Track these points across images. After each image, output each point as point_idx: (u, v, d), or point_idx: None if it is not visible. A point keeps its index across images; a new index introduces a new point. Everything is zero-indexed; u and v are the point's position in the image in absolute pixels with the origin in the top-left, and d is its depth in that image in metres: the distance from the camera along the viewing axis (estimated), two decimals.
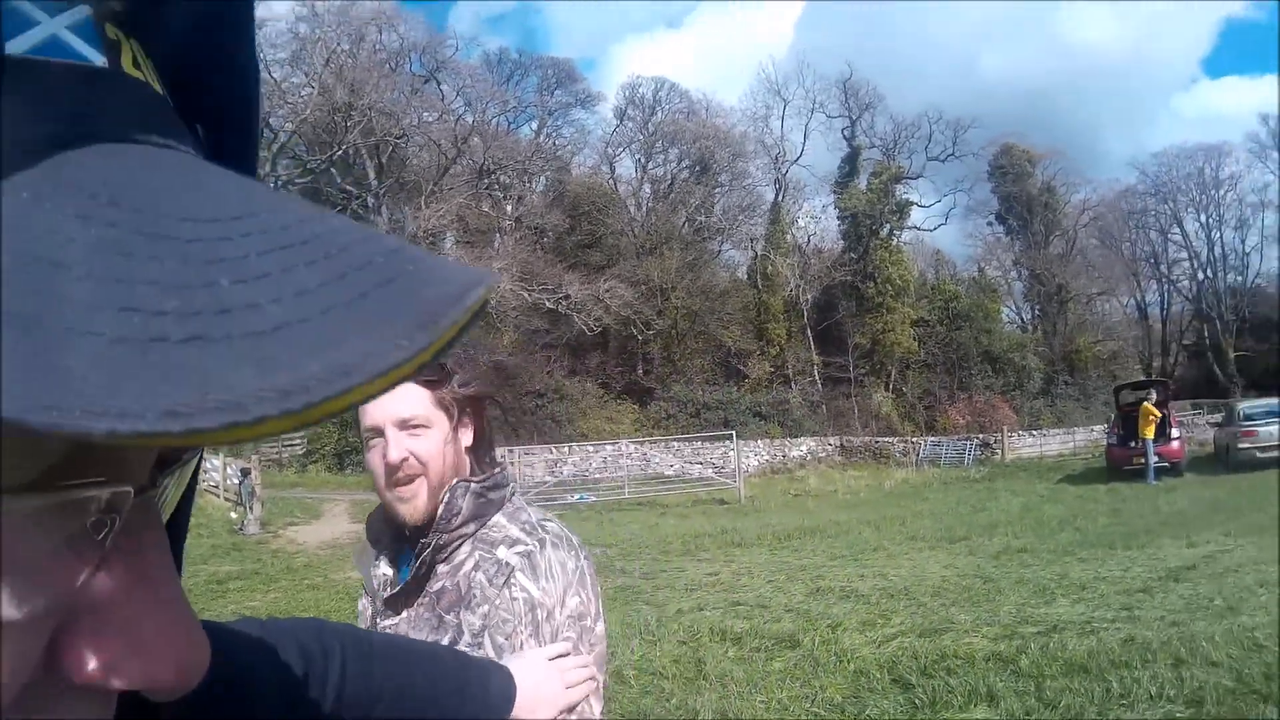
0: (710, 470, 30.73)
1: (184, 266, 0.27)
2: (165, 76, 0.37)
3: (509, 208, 48.50)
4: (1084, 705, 5.65)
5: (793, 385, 47.91)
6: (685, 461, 32.54)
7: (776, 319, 50.04)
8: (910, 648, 7.52)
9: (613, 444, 33.38)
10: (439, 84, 45.31)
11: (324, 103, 37.19)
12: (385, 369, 0.26)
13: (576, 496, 26.83)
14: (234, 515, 19.81)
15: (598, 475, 31.37)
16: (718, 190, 54.73)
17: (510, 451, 27.70)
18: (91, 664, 0.32)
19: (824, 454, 38.81)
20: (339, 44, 39.98)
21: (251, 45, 0.41)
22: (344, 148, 37.66)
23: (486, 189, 46.62)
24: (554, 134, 55.27)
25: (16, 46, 0.30)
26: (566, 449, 34.07)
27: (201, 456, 0.41)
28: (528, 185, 51.74)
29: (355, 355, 0.26)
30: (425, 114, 43.18)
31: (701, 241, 52.64)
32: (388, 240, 0.31)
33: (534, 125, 54.59)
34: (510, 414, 37.88)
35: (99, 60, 0.32)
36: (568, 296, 38.66)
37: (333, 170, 38.86)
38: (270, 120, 36.43)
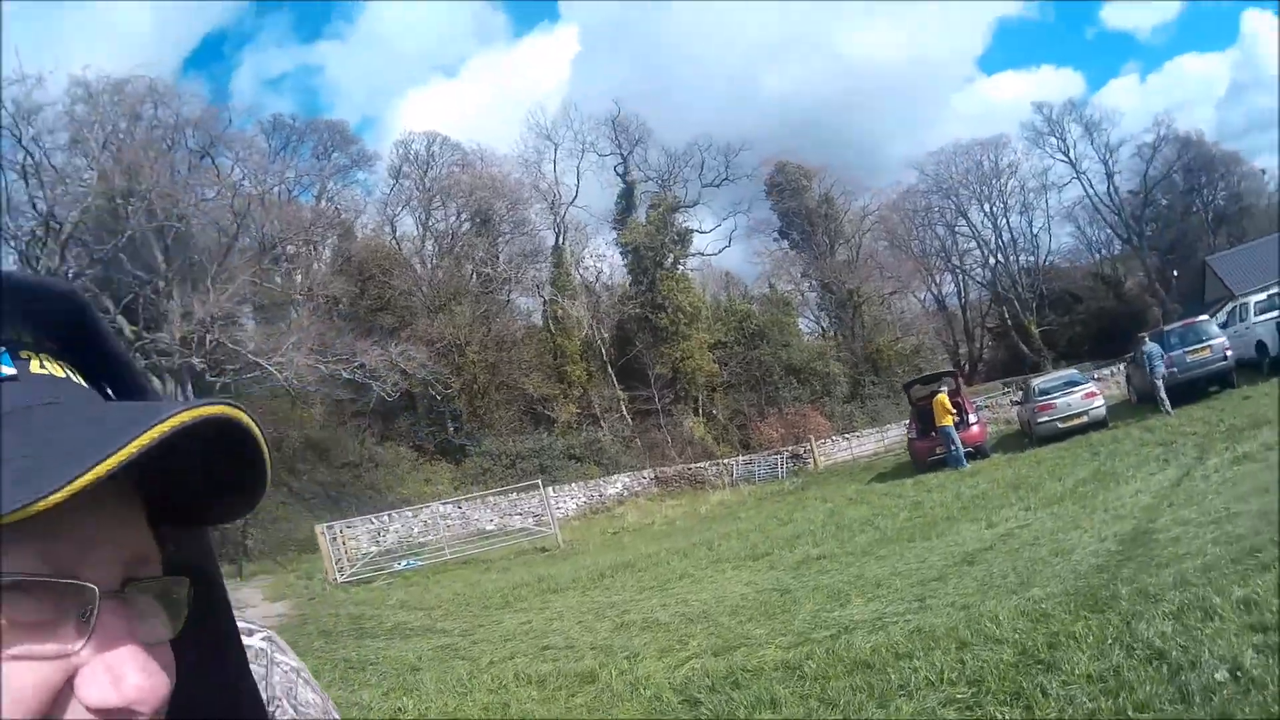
0: (531, 520, 31.77)
1: (20, 448, 0.49)
2: (73, 362, 0.61)
3: (298, 279, 48.88)
4: (864, 701, 5.89)
5: (602, 423, 49.14)
6: (503, 514, 33.72)
7: (574, 361, 51.13)
8: (703, 668, 7.97)
9: (429, 506, 34.00)
10: (213, 159, 45.08)
11: (105, 189, 36.16)
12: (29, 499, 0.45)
13: (404, 563, 27.39)
14: None
15: (421, 539, 31.94)
16: (500, 240, 55.78)
17: (330, 527, 27.98)
18: (91, 697, 0.51)
19: (640, 487, 40.21)
20: (115, 123, 39.06)
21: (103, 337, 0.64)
22: (129, 233, 36.70)
23: (273, 262, 46.22)
24: (335, 198, 56.35)
25: None
26: (387, 516, 34.45)
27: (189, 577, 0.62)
28: (314, 254, 52.46)
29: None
30: (205, 190, 41.98)
31: (490, 293, 53.19)
32: (85, 414, 0.55)
33: (314, 192, 55.14)
34: (329, 488, 37.97)
35: (12, 369, 0.55)
36: (362, 365, 38.76)
37: (121, 257, 37.93)
38: (55, 210, 35.37)
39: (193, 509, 0.62)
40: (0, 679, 0.47)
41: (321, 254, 53.66)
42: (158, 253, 38.61)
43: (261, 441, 0.55)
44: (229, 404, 0.52)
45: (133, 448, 0.46)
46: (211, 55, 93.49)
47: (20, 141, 34.29)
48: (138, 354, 36.47)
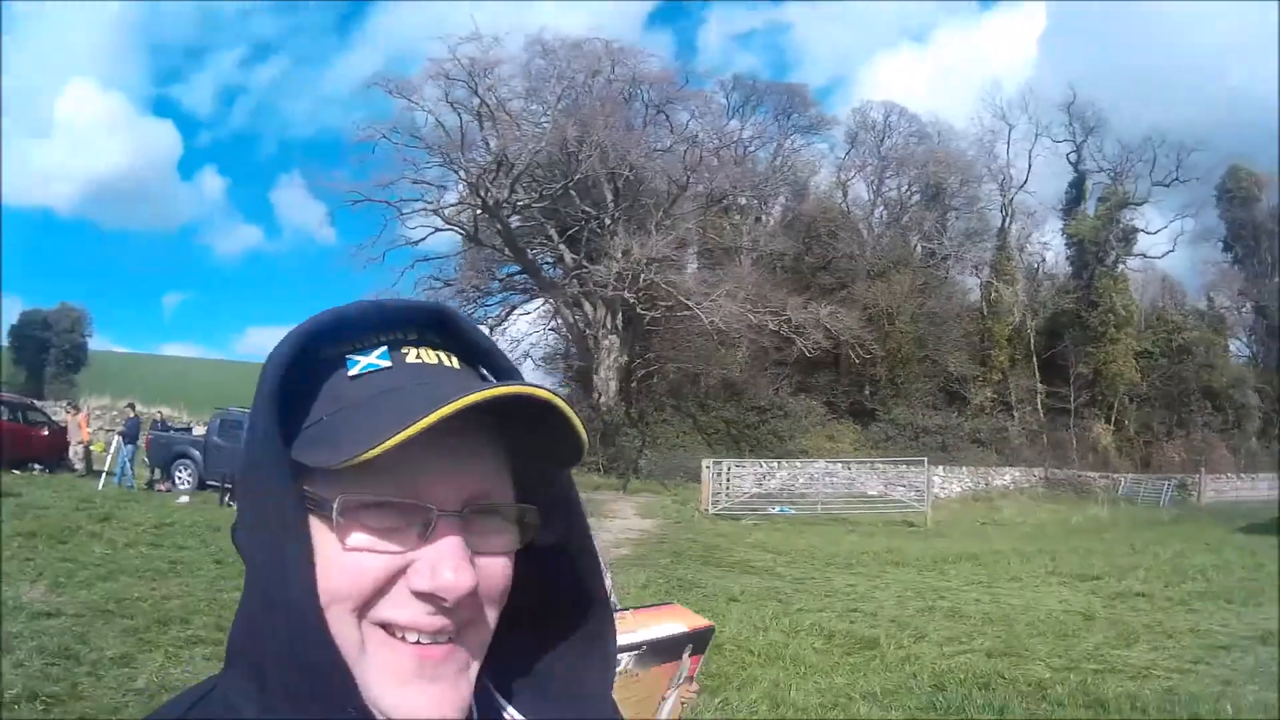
0: (912, 493, 32.14)
1: (374, 416, 0.71)
2: (456, 351, 0.84)
3: (744, 230, 51.30)
4: None
5: (1014, 413, 49.37)
6: (888, 483, 34.35)
7: (1000, 345, 51.41)
8: (969, 664, 8.57)
9: (817, 462, 35.29)
10: (668, 116, 47.53)
11: (558, 136, 40.45)
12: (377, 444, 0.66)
13: (777, 509, 29.20)
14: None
15: (803, 490, 33.48)
16: (949, 215, 56.40)
17: (719, 463, 30.12)
18: (413, 582, 0.73)
19: (1026, 484, 40.38)
20: (572, 78, 43.33)
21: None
22: (579, 176, 40.70)
23: (722, 212, 48.77)
24: (790, 157, 57.75)
25: (355, 370, 0.78)
26: (776, 463, 36.29)
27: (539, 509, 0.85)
28: (764, 208, 55.39)
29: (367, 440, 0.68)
30: (659, 142, 45.77)
31: (930, 267, 54.11)
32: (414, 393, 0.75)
33: (771, 150, 57.05)
34: (733, 427, 40.43)
35: (387, 363, 0.78)
36: (789, 320, 40.40)
37: (572, 193, 42.07)
38: (508, 150, 40.10)
39: (549, 453, 0.82)
40: (356, 561, 0.72)
41: (771, 209, 56.77)
42: (608, 193, 42.86)
43: (566, 411, 0.75)
44: (531, 386, 0.73)
45: (421, 425, 0.67)
46: (676, 12, 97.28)
47: (476, 91, 39.36)
48: (575, 280, 40.73)
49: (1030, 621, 11.05)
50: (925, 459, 33.02)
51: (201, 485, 23.58)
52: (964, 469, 40.62)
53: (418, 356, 0.80)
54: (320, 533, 0.74)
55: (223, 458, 22.48)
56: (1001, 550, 20.31)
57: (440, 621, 0.74)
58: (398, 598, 0.73)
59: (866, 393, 49.23)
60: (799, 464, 37.21)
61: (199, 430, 27.01)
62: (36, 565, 11.37)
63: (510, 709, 0.89)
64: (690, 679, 3.41)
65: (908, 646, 9.47)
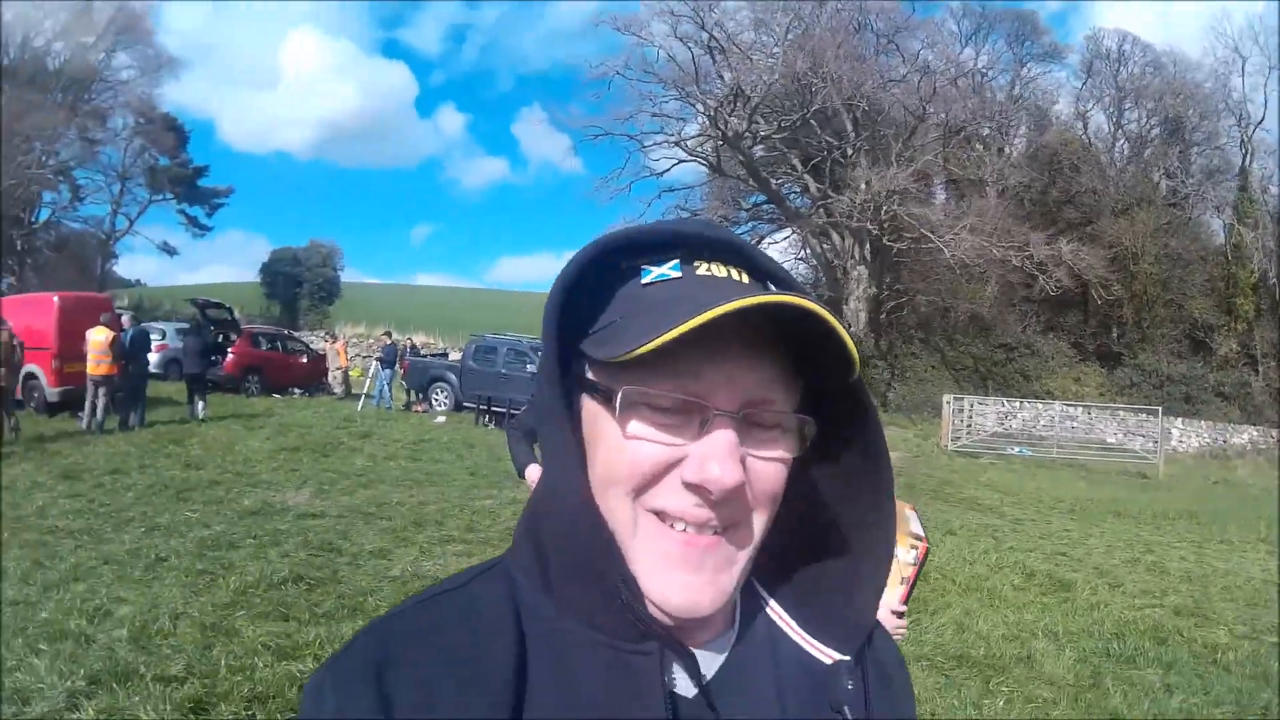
0: (1149, 444, 31.15)
1: (656, 318, 0.74)
2: (745, 268, 0.87)
3: (987, 162, 48.90)
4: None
5: (1258, 368, 45.60)
6: (1126, 432, 33.16)
7: (1245, 294, 47.62)
8: (1152, 618, 8.65)
9: (1059, 405, 34.41)
10: (898, 45, 46.04)
11: (788, 69, 40.15)
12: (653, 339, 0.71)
13: (1016, 450, 28.77)
14: None
15: (1043, 432, 32.73)
16: (1192, 151, 52.21)
17: (959, 399, 29.83)
18: (687, 473, 0.78)
19: (1265, 445, 37.53)
20: (798, 10, 42.86)
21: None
22: (817, 107, 40.41)
23: (964, 142, 47.36)
24: (1029, 85, 55.08)
25: (648, 278, 0.83)
26: (1019, 403, 35.59)
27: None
28: (1005, 139, 52.40)
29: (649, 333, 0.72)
30: (893, 72, 44.33)
31: (1174, 205, 50.22)
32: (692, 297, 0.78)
33: (1008, 78, 54.50)
34: (980, 364, 39.74)
35: (677, 274, 0.83)
36: (1031, 256, 39.17)
37: (812, 123, 41.75)
38: (742, 83, 40.22)
39: (827, 370, 0.83)
40: (635, 448, 0.78)
41: (1013, 141, 53.97)
42: (847, 123, 42.19)
43: (840, 331, 0.76)
44: (802, 298, 0.75)
45: (690, 325, 0.71)
46: None
47: (703, 26, 39.61)
48: (821, 210, 40.72)
49: (1226, 585, 10.85)
50: (1160, 409, 31.82)
51: (457, 407, 24.76)
52: (1203, 423, 38.48)
53: (708, 270, 0.84)
54: (605, 422, 0.80)
55: (477, 381, 23.57)
56: (1222, 511, 19.49)
57: (706, 514, 0.79)
58: (671, 486, 0.79)
59: (1114, 335, 47.35)
60: (1040, 405, 36.48)
61: (454, 356, 28.24)
62: (301, 474, 12.84)
63: (773, 603, 0.95)
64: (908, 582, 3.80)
65: (1101, 594, 9.58)
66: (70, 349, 17.34)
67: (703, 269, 0.84)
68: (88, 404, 16.22)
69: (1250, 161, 50.86)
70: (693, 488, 0.78)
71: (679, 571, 0.79)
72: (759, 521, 0.83)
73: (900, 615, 2.85)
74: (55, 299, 18.57)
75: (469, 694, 0.76)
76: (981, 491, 19.25)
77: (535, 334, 24.41)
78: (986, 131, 49.13)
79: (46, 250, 58.36)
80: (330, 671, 0.78)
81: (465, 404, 24.40)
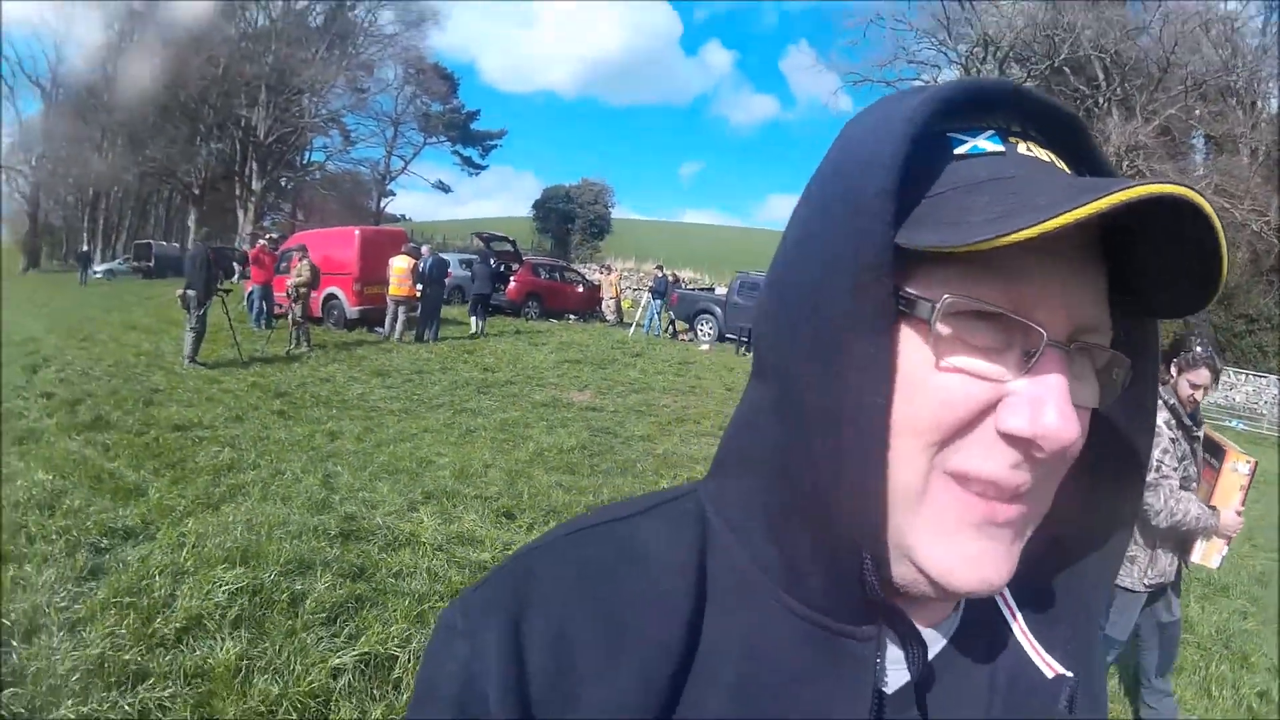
0: None
1: (1000, 200, 0.59)
2: (1055, 149, 0.70)
3: (1241, 116, 45.80)
4: None
5: None
6: None
7: None
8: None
9: (1270, 378, 33.76)
10: None
11: (1029, 19, 39.72)
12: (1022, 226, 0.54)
13: (1234, 422, 28.11)
14: None
15: (1264, 410, 32.46)
16: None
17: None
18: (1007, 421, 0.60)
19: None
20: None
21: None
22: (1065, 54, 39.67)
23: (1217, 97, 44.64)
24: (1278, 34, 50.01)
25: (962, 149, 0.65)
26: (1244, 376, 34.71)
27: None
28: (1258, 92, 48.21)
29: (1012, 220, 0.55)
30: (1135, 21, 42.37)
31: None
32: (1055, 179, 0.64)
33: (1259, 24, 49.59)
34: (1221, 334, 38.17)
35: (999, 147, 0.65)
36: (1270, 221, 37.00)
37: (1065, 71, 41.01)
38: (989, 33, 39.96)
39: (1150, 299, 0.68)
40: (947, 384, 0.60)
41: (1268, 94, 50.02)
42: (1099, 71, 40.87)
43: (1220, 233, 0.57)
44: (1187, 186, 0.55)
45: (1100, 204, 0.53)
46: None
47: None
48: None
49: None
50: None
51: (721, 338, 26.51)
52: None
53: (1029, 149, 0.67)
54: (906, 345, 0.62)
55: (741, 314, 25.06)
56: None
57: (1023, 477, 0.62)
58: (980, 438, 0.62)
59: None
60: (1264, 380, 34.72)
61: (720, 290, 29.68)
62: (582, 380, 14.94)
63: (1005, 590, 0.79)
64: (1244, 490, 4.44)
65: None
66: (369, 274, 19.91)
67: (1023, 147, 0.67)
68: (388, 320, 18.91)
69: None
70: (1015, 441, 0.61)
71: (969, 538, 0.63)
72: (1055, 484, 0.67)
73: (1239, 514, 3.94)
74: (357, 232, 21.22)
75: (619, 655, 0.65)
76: None
77: None
78: (1240, 84, 45.93)
79: (323, 189, 64.22)
80: (462, 610, 0.70)
81: (728, 335, 26.07)
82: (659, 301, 26.98)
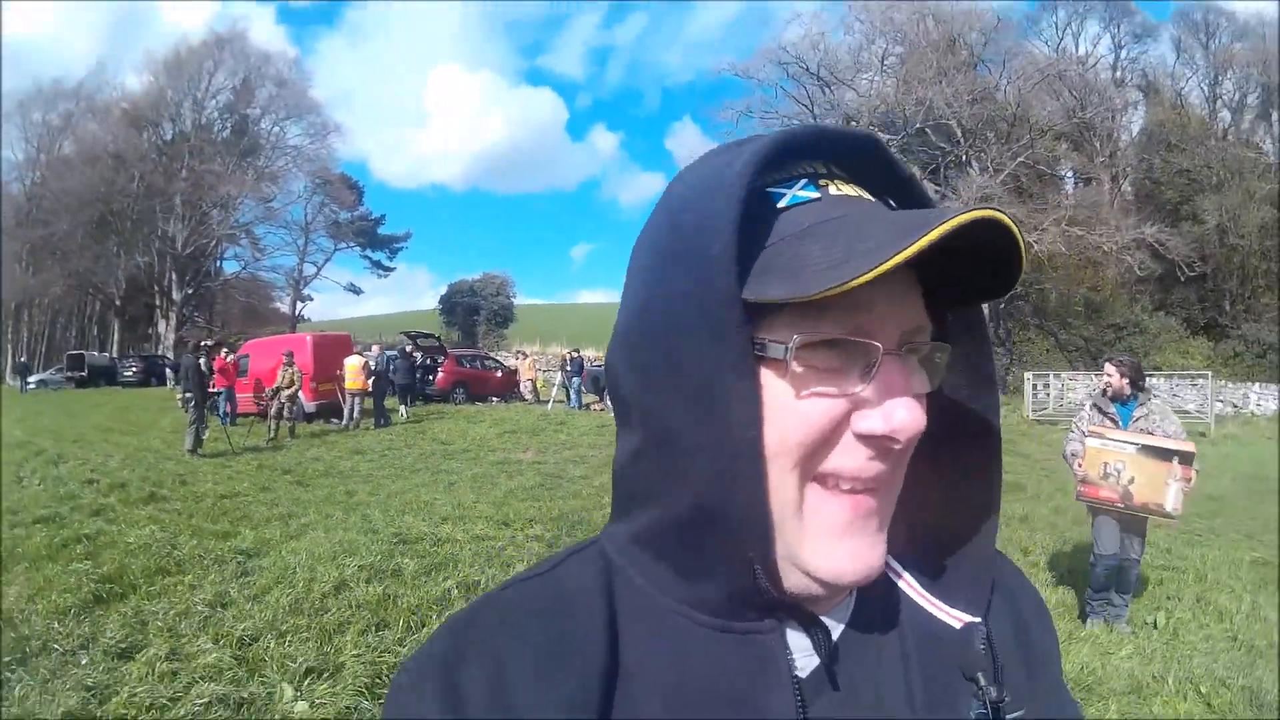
0: (1224, 407, 34.01)
1: (830, 247, 0.66)
2: (873, 189, 0.78)
3: (1098, 146, 50.69)
4: None
5: None
6: (1219, 400, 34.66)
7: None
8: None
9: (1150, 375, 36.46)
10: (983, 61, 48.58)
11: (882, 97, 44.54)
12: (865, 269, 0.61)
13: None
14: None
15: None
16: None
17: (1042, 375, 33.26)
18: (861, 424, 0.69)
19: None
20: (894, 37, 47.56)
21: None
22: (918, 123, 43.55)
23: (1065, 137, 48.74)
24: (1128, 67, 56.68)
25: (783, 201, 0.72)
26: (1097, 376, 37.52)
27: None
28: (1116, 123, 52.55)
29: (847, 266, 0.62)
30: (980, 86, 45.88)
31: (1269, 171, 49.33)
32: (900, 215, 0.71)
33: (1108, 63, 55.64)
34: (1091, 344, 42.24)
35: (815, 194, 0.73)
36: (1117, 242, 40.72)
37: (927, 131, 44.54)
38: (847, 113, 45.04)
39: (959, 288, 0.77)
40: (807, 406, 0.69)
41: (1122, 125, 53.21)
42: (957, 130, 44.88)
43: (1019, 239, 0.67)
44: (993, 209, 0.64)
45: (920, 243, 0.61)
46: None
47: (807, 69, 46.54)
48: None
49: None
50: (1209, 374, 33.17)
51: None
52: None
53: (839, 189, 0.75)
54: (767, 379, 0.70)
55: None
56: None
57: (879, 468, 0.71)
58: (843, 443, 0.71)
59: (1228, 308, 48.11)
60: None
61: None
62: (523, 444, 17.94)
63: (891, 563, 0.85)
64: (1187, 479, 6.14)
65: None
66: (322, 373, 22.88)
67: (833, 188, 0.74)
68: (346, 410, 21.70)
69: None
70: (870, 440, 0.70)
71: (847, 538, 0.72)
72: (903, 470, 0.76)
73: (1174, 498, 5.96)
74: (309, 338, 24.38)
75: (551, 682, 0.71)
76: (1032, 447, 21.35)
77: None
78: (1096, 118, 49.73)
79: (239, 297, 67.67)
80: (407, 673, 0.75)
81: None
82: (577, 379, 29.78)
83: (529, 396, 32.33)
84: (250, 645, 5.83)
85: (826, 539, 0.71)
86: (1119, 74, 55.97)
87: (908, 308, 0.72)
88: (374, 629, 6.22)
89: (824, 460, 0.71)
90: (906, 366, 0.72)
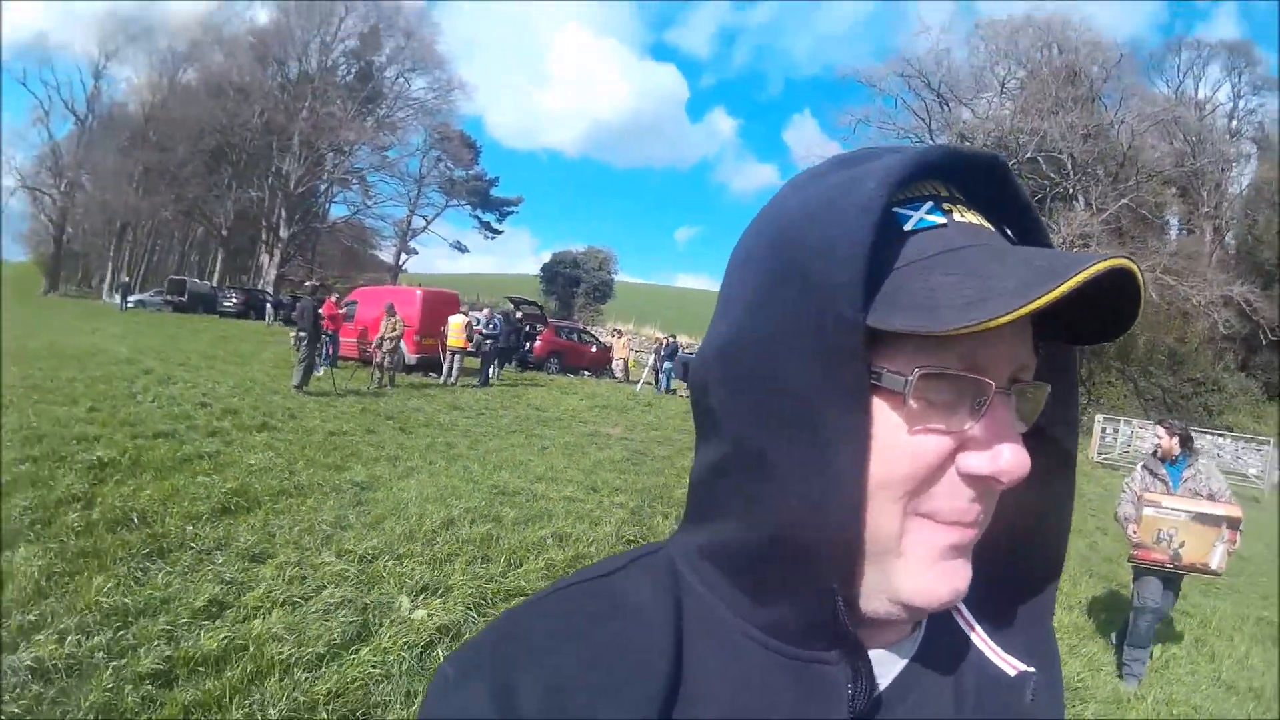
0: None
1: (963, 280, 0.64)
2: (989, 213, 0.76)
3: (1205, 195, 50.33)
4: None
5: None
6: (1270, 464, 34.34)
7: None
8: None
9: (1213, 435, 36.64)
10: (1100, 98, 48.52)
11: (998, 123, 44.75)
12: (999, 312, 0.60)
13: None
14: None
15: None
16: None
17: (1114, 419, 33.18)
18: (969, 464, 0.68)
19: None
20: (1016, 60, 47.74)
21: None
22: (1030, 153, 44.17)
23: (1185, 178, 48.79)
24: (1245, 118, 55.70)
25: (909, 224, 0.70)
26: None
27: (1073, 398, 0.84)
28: (1224, 174, 52.63)
29: (984, 306, 0.61)
30: (1093, 123, 46.47)
31: None
32: (1031, 254, 0.68)
33: (1224, 112, 55.24)
34: (1169, 394, 41.83)
35: (941, 220, 0.71)
36: (1205, 296, 40.48)
37: (1038, 159, 44.47)
38: (963, 132, 45.79)
39: (1068, 327, 0.75)
40: (917, 441, 0.68)
41: (1229, 177, 53.87)
42: (1068, 163, 44.65)
43: (1142, 289, 0.66)
44: (1128, 258, 0.63)
45: (1061, 289, 0.59)
46: None
47: (929, 84, 47.21)
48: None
49: None
50: (1272, 440, 33.91)
51: None
52: None
53: (962, 215, 0.74)
54: (879, 411, 0.68)
55: None
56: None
57: (981, 507, 0.71)
58: (947, 481, 0.70)
59: None
60: (1195, 433, 37.43)
61: None
62: (612, 419, 18.84)
63: (960, 605, 0.87)
64: (1233, 542, 6.73)
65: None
66: (426, 328, 24.07)
67: (958, 214, 0.73)
68: (445, 366, 22.80)
69: None
70: (975, 480, 0.69)
71: (942, 563, 0.71)
72: (994, 502, 0.74)
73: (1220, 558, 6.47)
74: (419, 292, 25.57)
75: (611, 696, 0.69)
76: (1095, 489, 21.59)
77: None
78: (1208, 166, 49.32)
79: (344, 241, 68.73)
80: (455, 668, 0.74)
81: None
82: (669, 363, 30.71)
83: (619, 375, 33.32)
84: (371, 563, 6.68)
85: (920, 566, 0.71)
86: (1234, 124, 55.06)
87: (1020, 345, 0.72)
88: (479, 560, 7.07)
89: (926, 496, 0.70)
90: (1012, 405, 0.72)
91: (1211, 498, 6.94)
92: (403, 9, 66.86)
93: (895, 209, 0.70)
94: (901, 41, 49.40)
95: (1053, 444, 0.82)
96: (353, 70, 66.12)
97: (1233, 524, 6.66)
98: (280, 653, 4.86)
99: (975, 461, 0.68)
